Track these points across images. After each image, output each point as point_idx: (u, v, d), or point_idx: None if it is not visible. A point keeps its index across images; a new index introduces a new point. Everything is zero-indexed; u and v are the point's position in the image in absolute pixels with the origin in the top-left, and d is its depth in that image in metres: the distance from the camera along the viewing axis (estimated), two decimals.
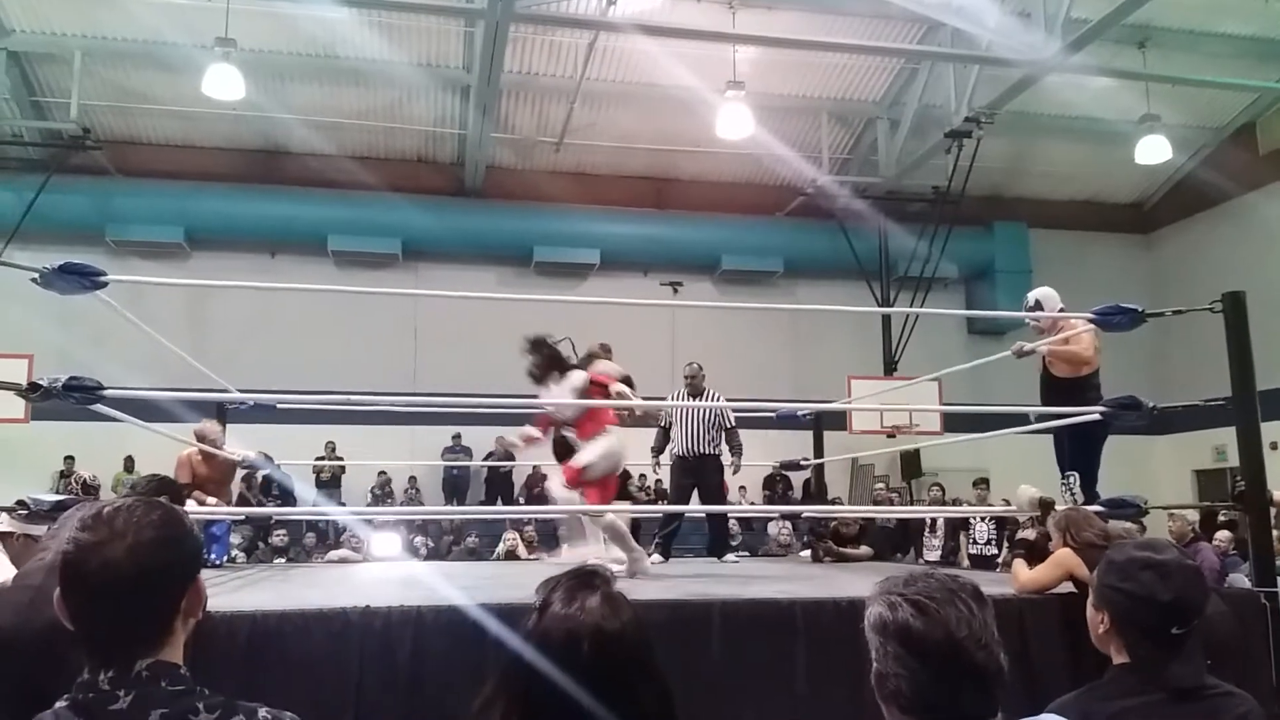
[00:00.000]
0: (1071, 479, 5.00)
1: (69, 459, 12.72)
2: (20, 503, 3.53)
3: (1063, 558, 3.71)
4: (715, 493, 7.34)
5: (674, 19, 11.21)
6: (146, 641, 1.32)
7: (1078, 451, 5.08)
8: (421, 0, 11.38)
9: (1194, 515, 10.20)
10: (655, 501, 13.39)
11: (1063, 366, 5.28)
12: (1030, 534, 4.15)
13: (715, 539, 7.57)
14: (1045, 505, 4.38)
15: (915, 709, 1.39)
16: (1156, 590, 1.82)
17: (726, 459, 7.27)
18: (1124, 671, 1.86)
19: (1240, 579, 4.77)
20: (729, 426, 7.23)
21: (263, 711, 1.34)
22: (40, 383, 3.54)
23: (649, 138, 14.53)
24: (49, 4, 12.02)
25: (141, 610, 1.33)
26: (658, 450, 7.56)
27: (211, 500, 6.71)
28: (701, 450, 7.15)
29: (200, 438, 6.79)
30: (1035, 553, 3.96)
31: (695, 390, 7.25)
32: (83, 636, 1.32)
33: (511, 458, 10.83)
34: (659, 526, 7.39)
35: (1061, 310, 5.47)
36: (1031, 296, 5.64)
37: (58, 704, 1.29)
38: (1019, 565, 3.98)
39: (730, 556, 7.48)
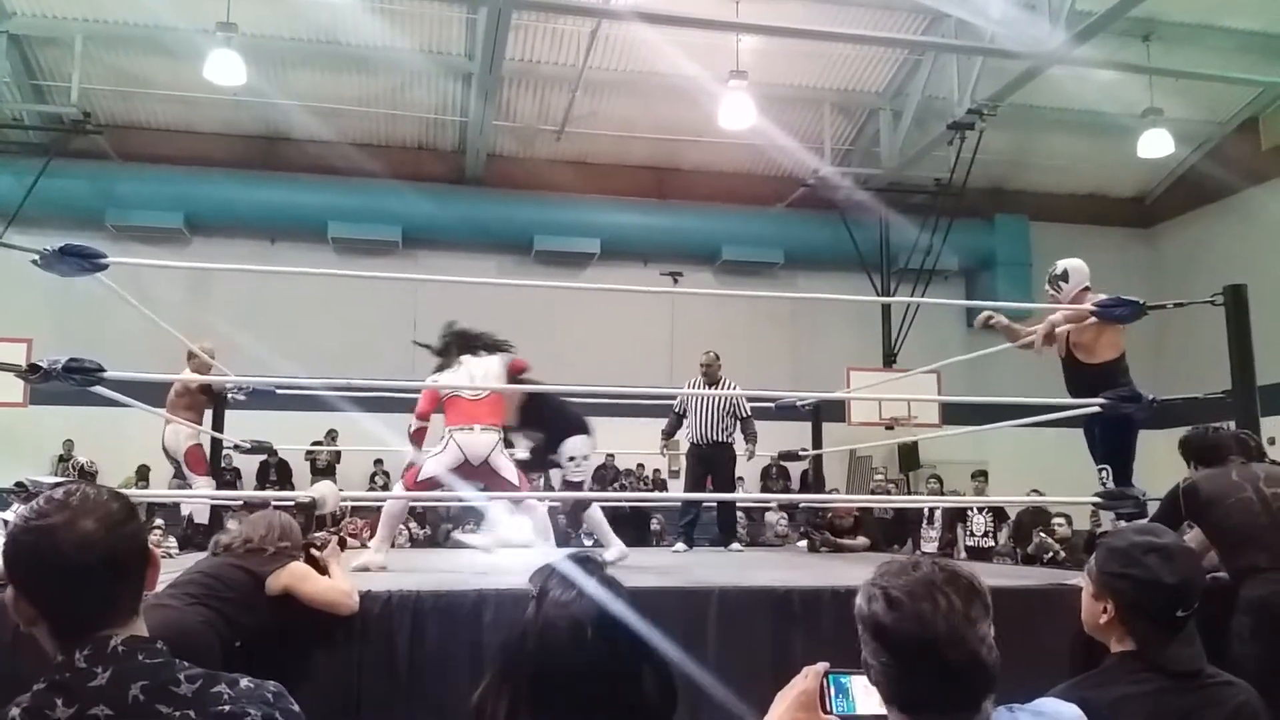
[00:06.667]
0: (1104, 473, 4.77)
1: (68, 443, 12.73)
2: (19, 484, 3.53)
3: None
4: (728, 482, 7.43)
5: (677, 7, 11.16)
6: (121, 616, 1.33)
7: (1110, 445, 4.83)
8: None
9: None
10: (654, 491, 13.44)
11: (1086, 352, 4.95)
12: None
13: (723, 527, 7.64)
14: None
15: (893, 699, 1.40)
16: (1163, 573, 1.83)
17: (740, 447, 7.34)
18: (1124, 659, 1.86)
19: None
20: (744, 416, 7.30)
21: (244, 681, 1.34)
22: (40, 364, 3.53)
23: (650, 127, 14.49)
24: None
25: (117, 583, 1.34)
26: (668, 434, 7.66)
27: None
28: (715, 438, 7.22)
29: (192, 356, 6.99)
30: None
31: (711, 379, 7.34)
32: (53, 617, 1.32)
33: None
34: (679, 516, 7.49)
35: (1086, 289, 5.08)
36: (1060, 265, 5.19)
37: (35, 686, 1.28)
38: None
39: (735, 545, 7.56)
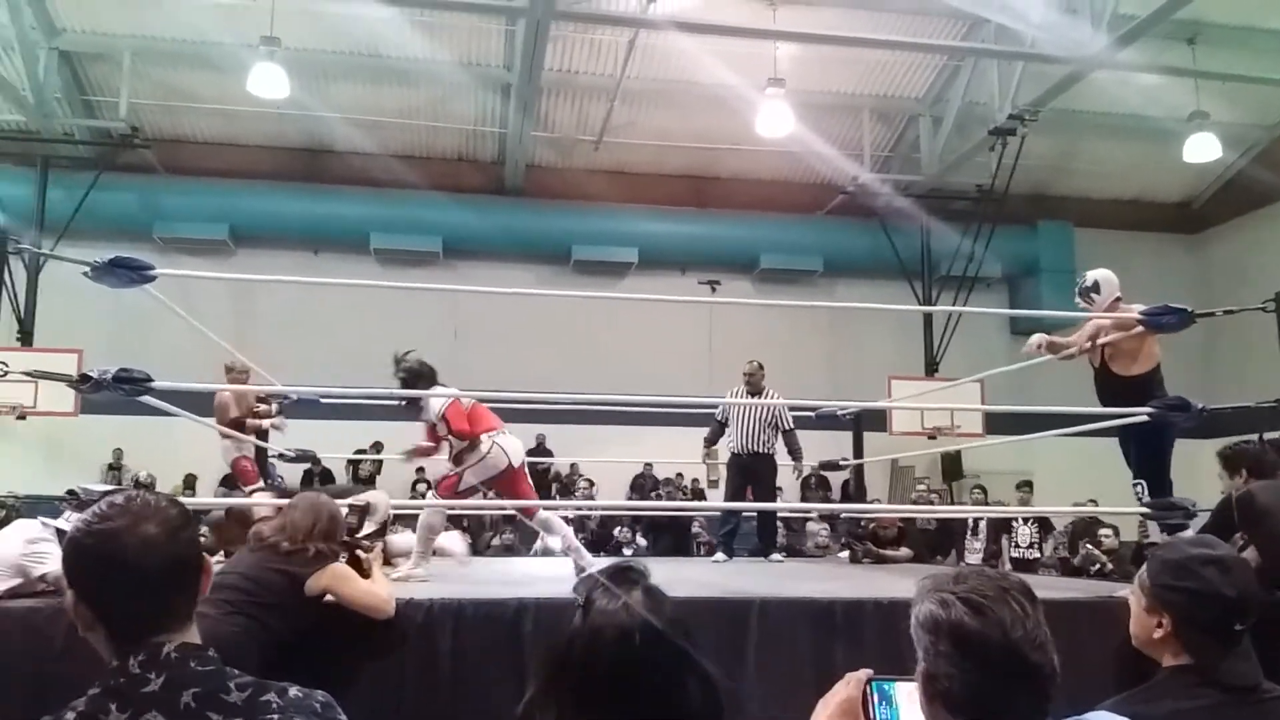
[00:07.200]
0: (1139, 488, 4.68)
1: (118, 451, 12.96)
2: (71, 492, 3.60)
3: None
4: (768, 492, 7.40)
5: (714, 16, 11.17)
6: (176, 622, 1.35)
7: (1144, 457, 4.74)
8: None
9: None
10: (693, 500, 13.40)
11: (1126, 362, 4.85)
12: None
13: (763, 537, 7.60)
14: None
15: (965, 710, 1.36)
16: (1221, 586, 1.78)
17: (781, 459, 7.31)
18: (1177, 673, 1.82)
19: None
20: (787, 429, 7.25)
21: (293, 690, 1.36)
22: (91, 374, 3.60)
23: (688, 136, 14.49)
24: (99, 3, 12.23)
25: (175, 588, 1.36)
26: (710, 441, 7.63)
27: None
28: (756, 449, 7.19)
29: (230, 369, 7.10)
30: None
31: (754, 389, 7.31)
32: (111, 621, 1.34)
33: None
34: (718, 526, 7.46)
35: (1118, 299, 5.00)
36: (1090, 276, 5.11)
37: (90, 691, 1.30)
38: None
39: (775, 555, 7.51)
